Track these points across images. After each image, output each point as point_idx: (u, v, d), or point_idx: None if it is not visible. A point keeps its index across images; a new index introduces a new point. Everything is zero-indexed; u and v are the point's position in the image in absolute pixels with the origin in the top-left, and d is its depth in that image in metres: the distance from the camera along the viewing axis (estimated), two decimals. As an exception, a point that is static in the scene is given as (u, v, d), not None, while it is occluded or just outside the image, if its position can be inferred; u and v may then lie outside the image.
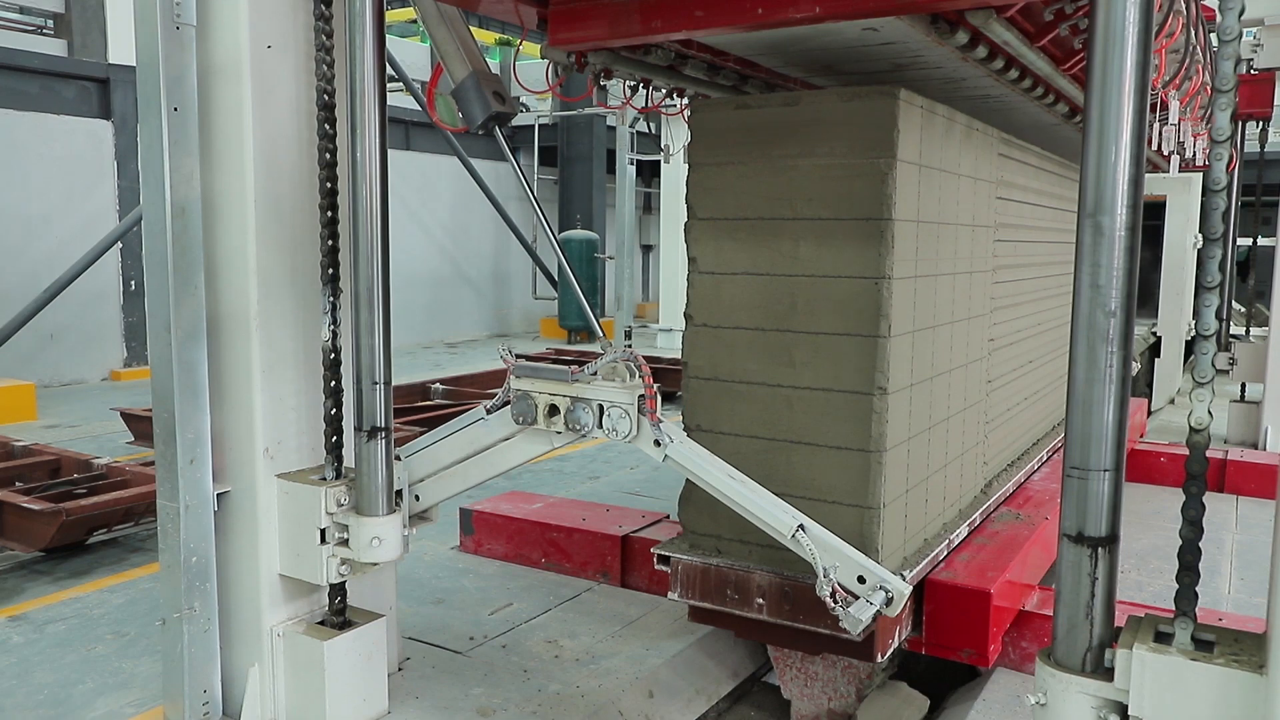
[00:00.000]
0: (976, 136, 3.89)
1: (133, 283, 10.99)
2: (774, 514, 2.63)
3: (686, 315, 3.44)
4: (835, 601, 2.54)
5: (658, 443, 2.65)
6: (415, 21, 16.79)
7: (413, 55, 16.27)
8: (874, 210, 3.04)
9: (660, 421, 2.64)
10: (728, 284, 3.34)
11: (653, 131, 15.30)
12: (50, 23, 11.36)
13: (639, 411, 2.65)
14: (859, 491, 3.13)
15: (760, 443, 3.30)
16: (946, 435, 3.79)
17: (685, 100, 3.97)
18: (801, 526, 2.62)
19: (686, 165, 3.41)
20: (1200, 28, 3.97)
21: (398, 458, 2.92)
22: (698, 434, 3.40)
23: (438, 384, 8.88)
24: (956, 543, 3.80)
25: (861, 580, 2.59)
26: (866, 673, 3.46)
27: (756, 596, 3.23)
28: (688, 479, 2.87)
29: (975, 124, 3.86)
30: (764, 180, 3.23)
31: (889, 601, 2.56)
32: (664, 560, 3.43)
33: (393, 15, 17.90)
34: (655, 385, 2.69)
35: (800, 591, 3.12)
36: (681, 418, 3.41)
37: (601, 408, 2.68)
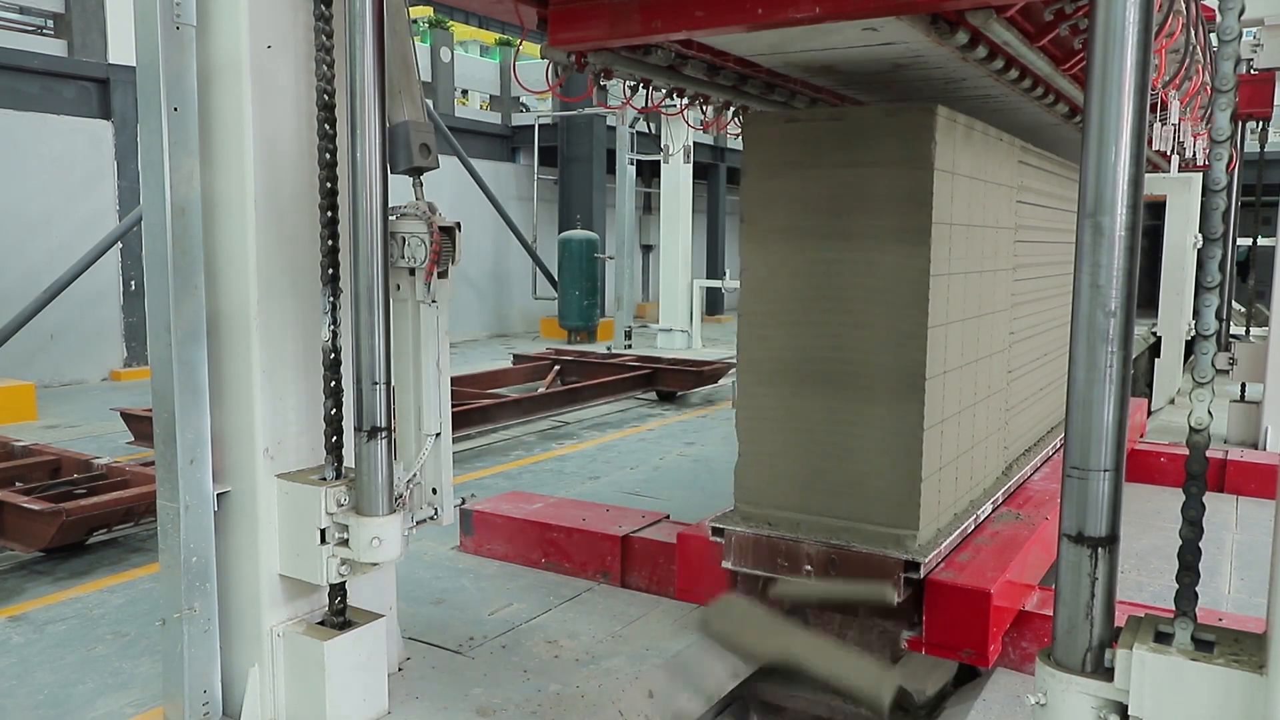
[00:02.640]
0: (1000, 146, 4.18)
1: (133, 283, 10.99)
2: (429, 411, 3.07)
3: (740, 311, 3.81)
4: (397, 506, 2.86)
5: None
6: (415, 21, 16.80)
7: (413, 55, 16.22)
8: (915, 214, 3.36)
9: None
10: (777, 280, 3.66)
11: (653, 131, 15.31)
12: (50, 23, 11.35)
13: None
14: (904, 467, 3.46)
15: (812, 434, 3.64)
16: (974, 419, 4.10)
17: (685, 100, 3.97)
18: (437, 435, 3.08)
19: (741, 171, 3.73)
20: (1200, 28, 3.97)
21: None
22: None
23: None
24: (982, 519, 4.09)
25: (434, 492, 3.11)
26: (900, 637, 3.58)
27: (804, 564, 3.55)
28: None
29: (1000, 134, 4.17)
30: (812, 186, 3.56)
31: (432, 518, 3.11)
32: (719, 533, 3.72)
33: (393, 15, 17.84)
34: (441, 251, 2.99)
35: (846, 558, 3.48)
36: (733, 403, 3.85)
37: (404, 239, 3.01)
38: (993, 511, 4.23)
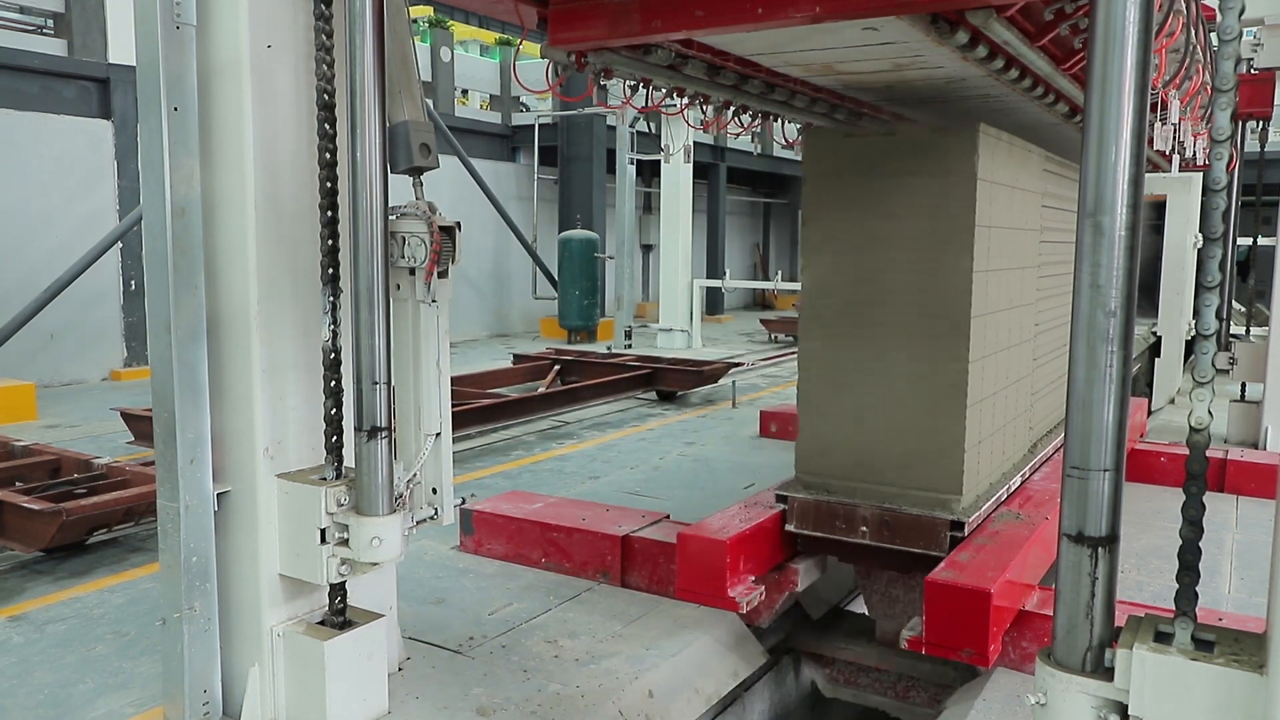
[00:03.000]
0: (1030, 157, 4.65)
1: (133, 283, 10.99)
2: (429, 411, 3.07)
3: (801, 307, 4.26)
4: (397, 505, 2.87)
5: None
6: (415, 21, 16.80)
7: (413, 55, 16.22)
8: (960, 218, 3.82)
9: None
10: (833, 278, 4.13)
11: (653, 131, 15.30)
12: (50, 23, 11.34)
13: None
14: (950, 440, 3.92)
15: (866, 412, 4.11)
16: (1005, 400, 4.57)
17: (685, 100, 3.97)
18: (437, 434, 3.07)
19: (802, 179, 4.25)
20: (1200, 27, 3.97)
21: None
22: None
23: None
24: (1013, 489, 4.59)
25: (434, 491, 3.10)
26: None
27: (860, 525, 4.03)
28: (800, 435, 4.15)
29: (1029, 147, 4.61)
30: (866, 193, 4.01)
31: (432, 518, 3.11)
32: (782, 499, 4.22)
33: (393, 15, 17.84)
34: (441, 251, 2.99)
35: (898, 520, 3.97)
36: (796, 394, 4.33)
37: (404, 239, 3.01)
38: (1021, 483, 4.73)
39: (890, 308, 3.98)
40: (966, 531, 3.84)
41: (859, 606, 4.55)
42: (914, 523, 3.93)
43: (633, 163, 14.75)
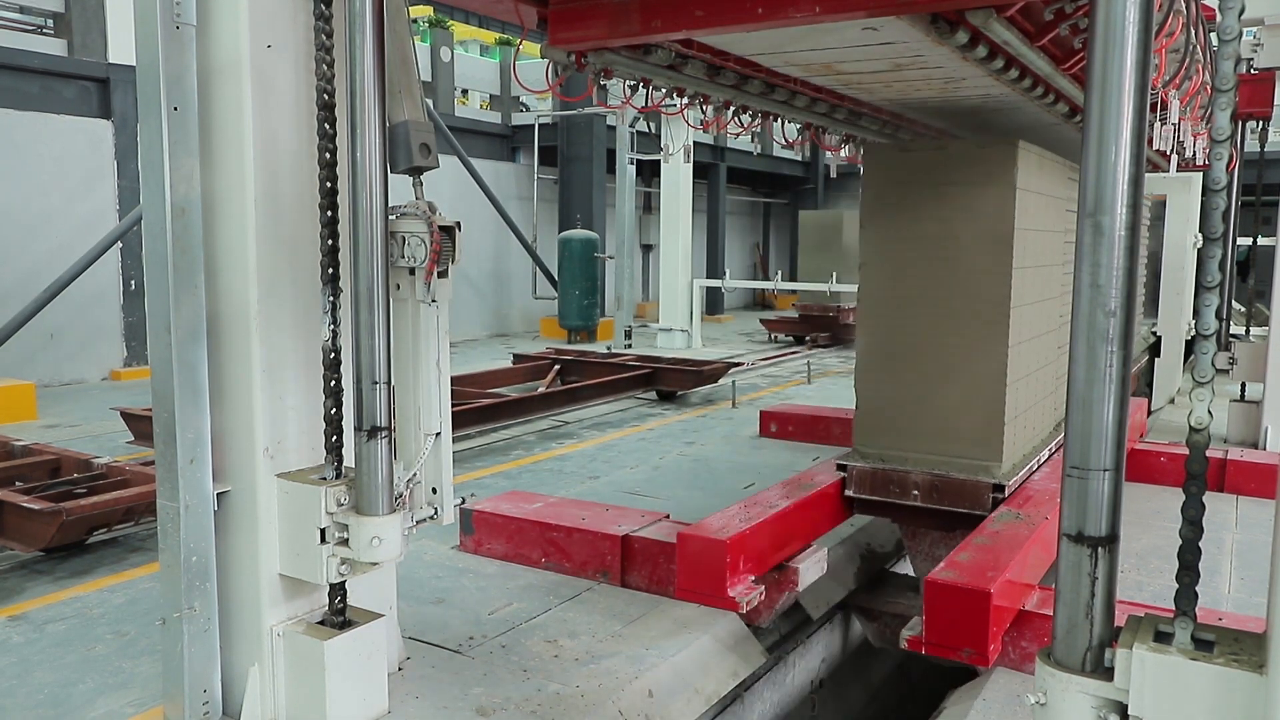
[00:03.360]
0: (1057, 167, 5.22)
1: (133, 283, 10.99)
2: (429, 411, 3.08)
3: (858, 300, 4.88)
4: (397, 505, 2.86)
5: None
6: (415, 21, 16.79)
7: (413, 55, 16.22)
8: (1001, 222, 4.43)
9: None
10: (889, 275, 4.74)
11: (653, 131, 15.30)
12: (50, 22, 11.34)
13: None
14: (991, 414, 4.54)
15: (916, 390, 4.72)
16: (1036, 382, 5.12)
17: (685, 100, 3.97)
18: (437, 434, 3.06)
19: (861, 187, 4.86)
20: (1200, 27, 3.97)
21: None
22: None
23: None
24: (1043, 460, 5.12)
25: (434, 491, 3.10)
26: None
27: (912, 489, 4.68)
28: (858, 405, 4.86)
29: (1057, 158, 5.17)
30: (921, 201, 4.61)
31: (432, 517, 3.10)
32: (842, 468, 4.85)
33: (393, 15, 17.84)
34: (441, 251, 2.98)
35: (946, 484, 4.60)
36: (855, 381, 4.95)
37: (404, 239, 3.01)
38: (1049, 456, 5.27)
39: (939, 299, 4.59)
40: (1007, 493, 4.48)
41: (905, 568, 5.27)
42: (960, 486, 4.55)
43: (633, 163, 14.74)
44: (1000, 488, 4.46)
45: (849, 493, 4.80)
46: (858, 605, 4.88)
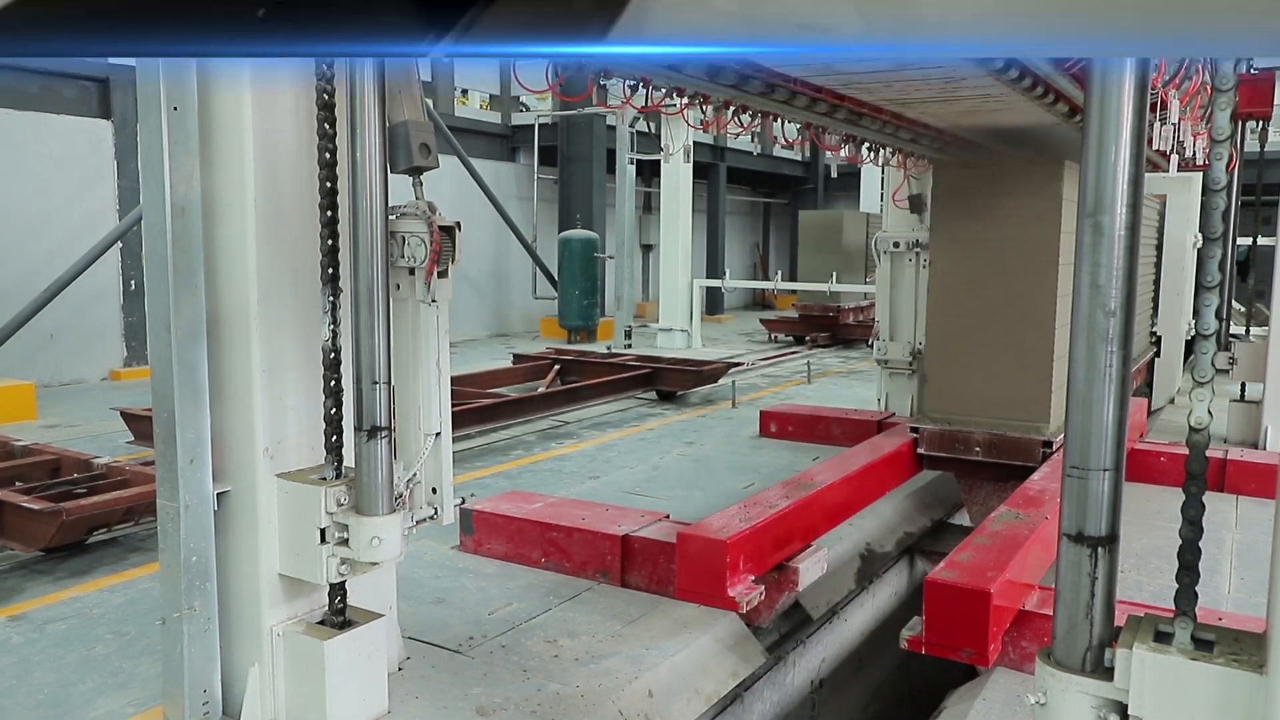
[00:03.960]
0: None
1: (133, 283, 10.99)
2: (429, 411, 3.10)
3: (930, 289, 5.93)
4: (397, 505, 2.83)
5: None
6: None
7: (413, 55, 16.22)
8: (1049, 227, 5.43)
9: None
10: (956, 268, 5.76)
11: (653, 131, 15.29)
12: (50, 22, 11.35)
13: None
14: (1041, 383, 5.61)
15: (978, 364, 5.76)
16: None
17: (685, 100, 3.97)
18: (437, 434, 3.07)
19: (931, 197, 5.99)
20: (1200, 27, 3.96)
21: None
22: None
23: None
24: None
25: (434, 491, 3.11)
26: None
27: (975, 447, 5.79)
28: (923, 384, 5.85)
29: None
30: (983, 209, 5.61)
31: (432, 517, 3.11)
32: (915, 430, 5.96)
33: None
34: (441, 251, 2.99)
35: (1003, 441, 5.71)
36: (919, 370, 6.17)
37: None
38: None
39: (997, 290, 5.59)
40: (1054, 448, 5.47)
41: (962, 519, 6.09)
42: (1015, 443, 5.66)
43: (632, 163, 14.74)
44: (1049, 444, 5.50)
45: (920, 450, 5.89)
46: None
